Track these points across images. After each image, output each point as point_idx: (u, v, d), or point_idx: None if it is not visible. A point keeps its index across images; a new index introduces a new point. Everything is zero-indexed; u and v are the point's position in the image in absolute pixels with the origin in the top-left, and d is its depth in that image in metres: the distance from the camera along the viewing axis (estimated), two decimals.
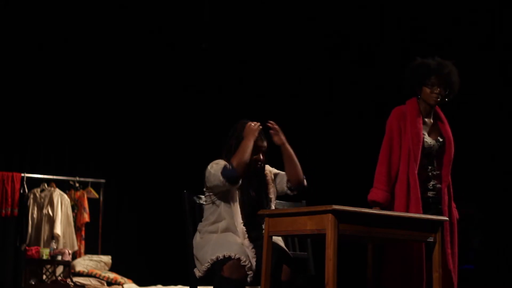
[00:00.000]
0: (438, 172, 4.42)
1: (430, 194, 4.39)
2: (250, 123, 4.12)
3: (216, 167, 4.04)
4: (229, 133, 4.21)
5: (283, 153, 4.18)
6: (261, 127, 4.14)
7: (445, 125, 4.49)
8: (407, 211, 4.23)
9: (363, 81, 8.73)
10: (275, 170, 4.32)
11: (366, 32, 8.71)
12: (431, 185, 4.40)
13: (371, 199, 4.34)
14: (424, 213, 4.22)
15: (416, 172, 4.32)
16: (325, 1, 8.88)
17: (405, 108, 4.44)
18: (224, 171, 3.98)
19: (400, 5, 8.35)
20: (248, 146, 4.04)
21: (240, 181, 4.04)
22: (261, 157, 4.18)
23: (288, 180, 4.22)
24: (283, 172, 4.25)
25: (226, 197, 4.09)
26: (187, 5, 9.42)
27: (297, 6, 9.04)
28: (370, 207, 4.27)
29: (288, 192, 4.25)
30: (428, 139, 4.40)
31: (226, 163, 4.03)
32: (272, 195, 4.25)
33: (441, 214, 4.29)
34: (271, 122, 4.19)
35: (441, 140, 4.43)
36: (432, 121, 4.48)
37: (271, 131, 4.17)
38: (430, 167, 4.41)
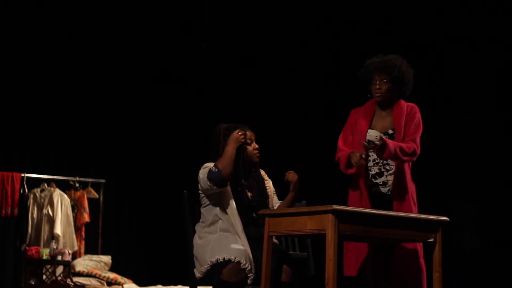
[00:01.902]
0: (393, 164, 4.42)
1: (381, 189, 4.40)
2: (236, 131, 4.16)
3: (203, 171, 4.09)
4: (213, 138, 4.24)
5: (289, 197, 4.29)
6: (243, 139, 4.17)
7: (399, 116, 4.47)
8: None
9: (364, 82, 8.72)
10: (275, 196, 4.39)
11: (368, 33, 8.70)
12: (381, 181, 4.41)
13: (338, 157, 4.42)
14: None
15: (364, 167, 4.38)
16: (325, 1, 8.88)
17: (360, 108, 4.60)
18: (210, 174, 4.02)
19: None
20: (231, 152, 4.08)
21: (228, 183, 4.07)
22: (257, 145, 4.24)
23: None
24: (277, 202, 4.34)
25: (220, 199, 4.12)
26: (187, 5, 9.42)
27: (297, 6, 9.04)
28: (343, 170, 4.38)
29: None
30: (374, 133, 4.43)
31: (212, 166, 4.05)
32: (270, 196, 4.28)
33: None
34: (293, 171, 4.26)
35: (390, 132, 4.45)
36: (389, 116, 4.50)
37: (290, 178, 4.24)
38: (382, 161, 4.42)
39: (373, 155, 4.43)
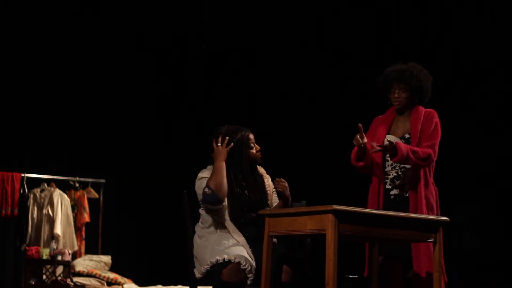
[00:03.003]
0: (409, 167, 4.49)
1: (399, 193, 4.48)
2: (217, 145, 4.12)
3: (199, 184, 4.11)
4: (213, 140, 4.22)
5: (279, 204, 4.26)
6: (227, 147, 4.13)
7: (417, 121, 4.54)
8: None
9: (365, 82, 8.72)
10: (274, 194, 4.37)
11: (367, 35, 8.71)
12: (399, 184, 4.48)
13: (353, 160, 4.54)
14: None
15: (382, 171, 4.49)
16: (323, 2, 8.88)
17: (382, 115, 4.69)
18: (204, 197, 4.03)
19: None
20: (221, 167, 4.06)
21: (224, 201, 4.06)
22: (258, 147, 4.26)
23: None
24: (276, 200, 4.33)
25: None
26: (187, 5, 9.42)
27: (298, 6, 9.04)
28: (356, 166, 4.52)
29: None
30: (392, 138, 4.50)
31: (205, 186, 4.04)
32: (270, 195, 4.28)
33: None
34: (282, 180, 4.20)
35: (407, 136, 4.52)
36: (408, 122, 4.58)
37: (279, 188, 4.19)
38: (399, 164, 4.49)
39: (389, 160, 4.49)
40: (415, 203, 4.41)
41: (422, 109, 4.59)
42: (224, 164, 4.07)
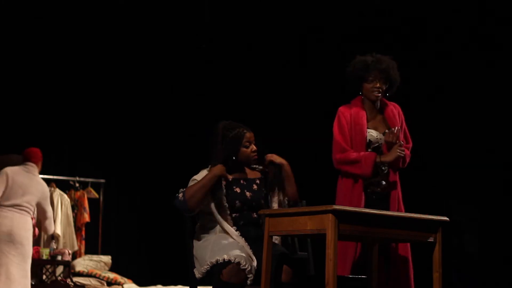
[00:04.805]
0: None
1: (376, 189, 4.45)
2: (221, 166, 4.06)
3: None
4: (212, 137, 4.20)
5: (283, 173, 4.21)
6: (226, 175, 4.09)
7: (394, 117, 4.54)
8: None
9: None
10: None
11: (363, 33, 8.71)
12: (375, 181, 4.46)
13: (352, 157, 4.42)
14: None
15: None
16: (324, 2, 8.89)
17: (349, 106, 4.59)
18: (176, 201, 4.02)
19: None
20: (206, 182, 4.02)
21: (196, 210, 4.04)
22: (255, 147, 4.19)
23: (285, 196, 4.26)
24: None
25: (214, 202, 4.11)
26: (187, 6, 9.43)
27: (298, 7, 9.05)
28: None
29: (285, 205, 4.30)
30: (375, 133, 4.48)
31: (180, 191, 4.03)
32: (275, 196, 4.27)
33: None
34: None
35: (387, 131, 4.49)
36: (379, 115, 4.57)
37: (267, 162, 4.19)
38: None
39: None
40: (395, 201, 4.42)
41: (390, 102, 4.61)
42: (212, 181, 4.02)
